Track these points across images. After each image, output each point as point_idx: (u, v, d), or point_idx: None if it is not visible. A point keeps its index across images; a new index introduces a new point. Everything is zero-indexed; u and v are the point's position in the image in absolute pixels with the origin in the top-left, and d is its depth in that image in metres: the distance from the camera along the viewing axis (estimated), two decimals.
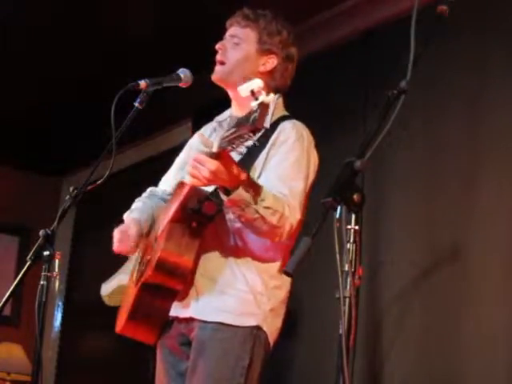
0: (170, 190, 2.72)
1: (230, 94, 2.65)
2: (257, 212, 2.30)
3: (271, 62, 2.60)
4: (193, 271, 2.42)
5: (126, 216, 2.64)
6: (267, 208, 2.31)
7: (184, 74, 2.61)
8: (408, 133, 3.50)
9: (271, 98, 2.09)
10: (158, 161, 5.51)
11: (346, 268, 1.76)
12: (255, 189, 2.30)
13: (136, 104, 2.53)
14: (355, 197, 1.77)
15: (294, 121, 2.57)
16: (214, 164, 2.20)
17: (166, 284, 2.40)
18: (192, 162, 2.26)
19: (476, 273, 3.15)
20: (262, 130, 2.50)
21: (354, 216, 1.78)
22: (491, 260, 3.11)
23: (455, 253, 3.24)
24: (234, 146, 2.15)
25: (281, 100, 2.65)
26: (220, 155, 2.20)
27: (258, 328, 2.43)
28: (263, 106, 2.08)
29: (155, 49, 4.63)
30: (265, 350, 2.46)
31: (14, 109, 5.57)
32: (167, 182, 2.78)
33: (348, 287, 1.75)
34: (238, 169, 2.26)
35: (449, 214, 3.34)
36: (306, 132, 2.56)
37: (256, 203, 2.29)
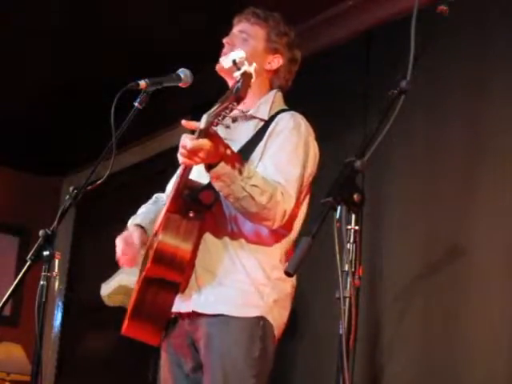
0: None
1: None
2: (243, 189, 2.27)
3: (277, 62, 2.62)
4: (191, 261, 2.38)
5: (130, 223, 2.62)
6: (254, 186, 2.28)
7: (184, 74, 2.61)
8: (408, 132, 3.50)
9: (253, 68, 2.11)
10: (157, 161, 5.51)
11: (346, 268, 1.76)
12: (241, 165, 2.28)
13: (136, 104, 2.53)
14: (355, 197, 1.77)
15: (293, 112, 2.57)
16: (204, 144, 2.16)
17: (166, 276, 2.35)
18: (181, 143, 2.21)
19: (476, 272, 3.15)
20: (262, 123, 2.52)
21: (354, 216, 1.78)
22: (491, 259, 3.11)
23: (455, 252, 3.24)
24: (219, 118, 2.13)
25: (280, 94, 2.65)
26: (208, 131, 2.16)
27: (264, 319, 2.40)
28: (246, 76, 2.10)
29: (155, 49, 4.63)
30: (273, 342, 2.44)
31: (14, 109, 5.57)
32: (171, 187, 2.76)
33: (348, 287, 1.75)
34: (224, 144, 2.24)
35: (449, 214, 3.34)
36: (304, 122, 2.55)
37: (242, 180, 2.26)
